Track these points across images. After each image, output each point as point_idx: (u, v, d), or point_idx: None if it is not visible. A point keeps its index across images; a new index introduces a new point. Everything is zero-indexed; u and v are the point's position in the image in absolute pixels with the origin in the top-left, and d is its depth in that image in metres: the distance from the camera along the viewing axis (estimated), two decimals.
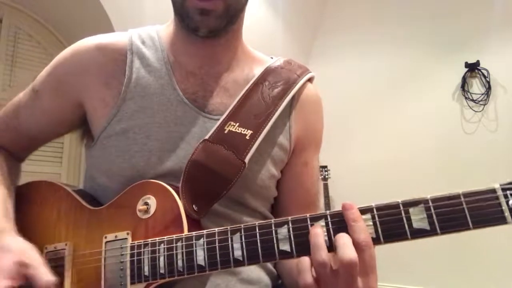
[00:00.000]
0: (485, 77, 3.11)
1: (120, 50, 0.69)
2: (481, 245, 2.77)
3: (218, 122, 0.65)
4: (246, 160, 0.62)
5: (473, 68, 3.14)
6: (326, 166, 3.28)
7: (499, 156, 2.90)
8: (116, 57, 0.68)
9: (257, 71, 0.72)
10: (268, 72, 0.71)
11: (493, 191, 0.45)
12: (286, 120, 0.71)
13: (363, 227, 0.46)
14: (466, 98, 3.15)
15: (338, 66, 3.67)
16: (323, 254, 0.46)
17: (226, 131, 0.64)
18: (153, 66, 0.68)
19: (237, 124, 0.64)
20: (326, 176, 3.26)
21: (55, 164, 2.46)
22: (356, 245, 0.46)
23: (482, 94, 3.11)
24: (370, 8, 3.62)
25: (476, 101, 3.11)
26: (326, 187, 3.22)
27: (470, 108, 3.14)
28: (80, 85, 0.68)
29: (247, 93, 0.68)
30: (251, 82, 0.69)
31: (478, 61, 3.12)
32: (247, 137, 0.63)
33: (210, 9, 0.61)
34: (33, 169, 2.28)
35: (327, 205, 3.18)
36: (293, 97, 0.71)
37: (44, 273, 0.52)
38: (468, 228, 0.44)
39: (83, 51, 0.69)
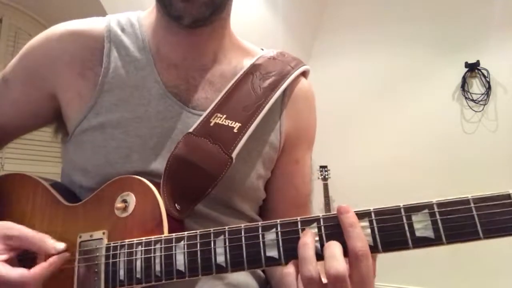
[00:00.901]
0: (485, 77, 3.10)
1: (96, 37, 0.63)
2: (481, 245, 2.77)
3: (204, 114, 0.59)
4: (233, 155, 0.57)
5: (473, 68, 3.14)
6: (326, 166, 3.28)
7: (499, 156, 2.90)
8: (92, 45, 0.63)
9: (247, 62, 0.67)
10: (260, 63, 0.66)
11: (508, 196, 0.39)
12: (277, 117, 0.66)
13: (360, 234, 0.41)
14: (466, 98, 3.15)
15: (338, 66, 3.67)
16: (311, 268, 0.41)
17: (212, 124, 0.58)
18: (133, 56, 0.63)
19: (224, 116, 0.59)
20: (326, 176, 3.25)
21: (55, 164, 2.45)
22: (352, 254, 0.41)
23: (482, 94, 3.10)
24: (370, 8, 3.62)
25: (476, 101, 3.11)
26: (326, 187, 3.21)
27: (470, 108, 3.13)
28: (52, 76, 0.63)
29: (236, 84, 0.63)
30: (241, 73, 0.64)
31: (478, 61, 3.11)
32: (235, 130, 0.58)
33: None
34: (33, 169, 2.28)
35: (327, 205, 3.17)
36: (285, 92, 0.66)
37: (37, 239, 0.51)
38: (478, 238, 0.39)
39: (55, 38, 0.63)
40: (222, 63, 0.67)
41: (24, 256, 0.53)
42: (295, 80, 0.68)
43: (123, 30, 0.65)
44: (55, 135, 0.71)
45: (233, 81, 0.63)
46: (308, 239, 0.43)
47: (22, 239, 0.51)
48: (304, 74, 0.72)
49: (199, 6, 0.57)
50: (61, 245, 0.52)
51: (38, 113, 0.67)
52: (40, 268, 0.49)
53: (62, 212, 0.59)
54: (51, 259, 0.51)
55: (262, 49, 0.73)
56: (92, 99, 0.61)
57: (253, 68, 0.65)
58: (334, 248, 0.42)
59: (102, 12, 2.16)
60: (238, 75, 0.64)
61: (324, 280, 0.41)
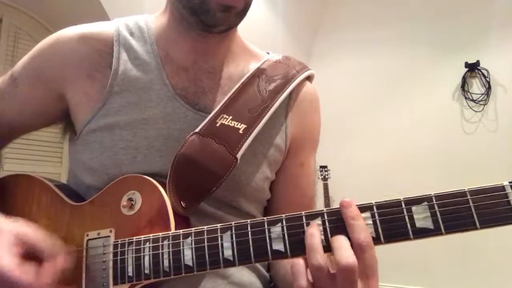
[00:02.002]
0: (485, 77, 3.10)
1: (105, 41, 0.65)
2: (481, 245, 2.77)
3: (210, 115, 0.61)
4: (238, 155, 0.58)
5: (473, 68, 3.14)
6: (326, 166, 3.28)
7: (499, 156, 2.90)
8: (101, 48, 0.64)
9: (253, 66, 0.69)
10: (266, 66, 0.68)
11: (502, 188, 0.42)
12: (282, 120, 0.68)
13: (363, 226, 0.43)
14: (466, 98, 3.15)
15: (338, 66, 3.67)
16: (319, 257, 0.43)
17: (218, 124, 0.60)
18: (142, 59, 0.64)
19: (230, 117, 0.60)
20: (326, 176, 3.25)
21: (55, 164, 2.46)
22: (356, 245, 0.42)
23: (482, 94, 3.10)
24: (370, 8, 3.62)
25: (476, 101, 3.11)
26: (326, 187, 3.21)
27: (470, 108, 3.14)
28: (61, 77, 0.64)
29: (243, 86, 0.64)
30: (247, 75, 0.66)
31: (478, 61, 3.12)
32: (240, 131, 0.60)
33: (233, 6, 0.59)
34: (33, 169, 2.28)
35: (327, 205, 3.17)
36: (290, 95, 0.68)
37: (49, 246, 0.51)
38: (475, 228, 0.41)
39: (65, 41, 0.65)
40: (230, 66, 0.68)
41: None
42: (300, 84, 0.69)
43: (131, 33, 0.67)
44: (63, 134, 0.72)
45: (239, 83, 0.65)
46: (315, 230, 0.45)
47: (34, 245, 0.51)
48: (309, 78, 0.73)
49: (235, 15, 0.60)
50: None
51: (46, 113, 0.68)
52: (50, 271, 0.50)
53: (67, 211, 0.60)
54: (58, 261, 0.51)
55: (268, 53, 0.74)
56: (101, 100, 0.62)
57: (259, 71, 0.67)
58: (342, 240, 0.43)
59: (102, 12, 2.16)
60: (245, 78, 0.66)
61: (331, 270, 0.42)
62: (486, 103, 3.09)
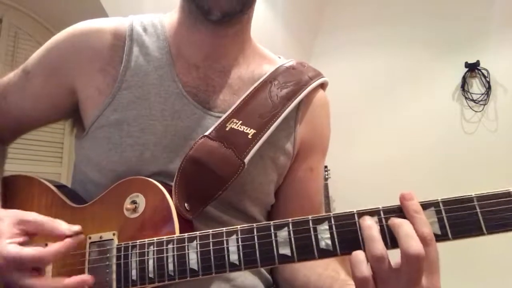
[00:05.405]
0: (485, 77, 3.10)
1: (118, 35, 0.65)
2: (480, 245, 2.77)
3: (221, 119, 0.61)
4: (246, 160, 0.59)
5: (473, 68, 3.13)
6: (326, 166, 3.28)
7: (499, 156, 2.90)
8: (114, 43, 0.64)
9: (266, 69, 0.69)
10: (279, 72, 0.68)
11: (508, 194, 0.42)
12: (292, 124, 0.68)
13: (426, 220, 0.42)
14: (466, 98, 3.14)
15: (338, 66, 3.67)
16: (380, 247, 0.41)
17: (227, 128, 0.60)
18: (153, 55, 0.65)
19: (240, 122, 0.61)
20: (326, 176, 3.25)
21: (55, 164, 2.45)
22: (421, 239, 0.41)
23: (482, 94, 3.10)
24: (370, 8, 3.62)
25: (476, 101, 3.11)
26: (326, 187, 3.21)
27: (470, 108, 3.13)
28: (74, 70, 0.64)
29: (255, 91, 0.64)
30: (260, 80, 0.66)
31: (478, 61, 3.11)
32: (249, 136, 0.60)
33: None
34: (33, 169, 2.28)
35: (327, 205, 3.17)
36: (301, 100, 0.67)
37: (53, 224, 0.51)
38: (481, 234, 0.42)
39: (79, 34, 0.65)
40: (241, 67, 0.68)
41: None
42: (313, 91, 0.69)
43: (145, 30, 0.67)
44: (71, 130, 0.72)
45: (251, 89, 0.65)
46: (371, 221, 0.43)
47: (37, 223, 0.51)
48: (322, 86, 0.73)
49: (229, 0, 0.59)
50: (76, 227, 0.52)
51: (56, 107, 0.68)
52: (56, 245, 0.50)
53: (68, 213, 0.60)
54: (67, 239, 0.51)
55: (279, 57, 0.74)
56: (111, 95, 0.62)
57: (272, 76, 0.67)
58: (406, 227, 0.42)
59: (102, 12, 2.16)
60: (257, 83, 0.66)
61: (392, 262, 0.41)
62: (486, 103, 3.09)
